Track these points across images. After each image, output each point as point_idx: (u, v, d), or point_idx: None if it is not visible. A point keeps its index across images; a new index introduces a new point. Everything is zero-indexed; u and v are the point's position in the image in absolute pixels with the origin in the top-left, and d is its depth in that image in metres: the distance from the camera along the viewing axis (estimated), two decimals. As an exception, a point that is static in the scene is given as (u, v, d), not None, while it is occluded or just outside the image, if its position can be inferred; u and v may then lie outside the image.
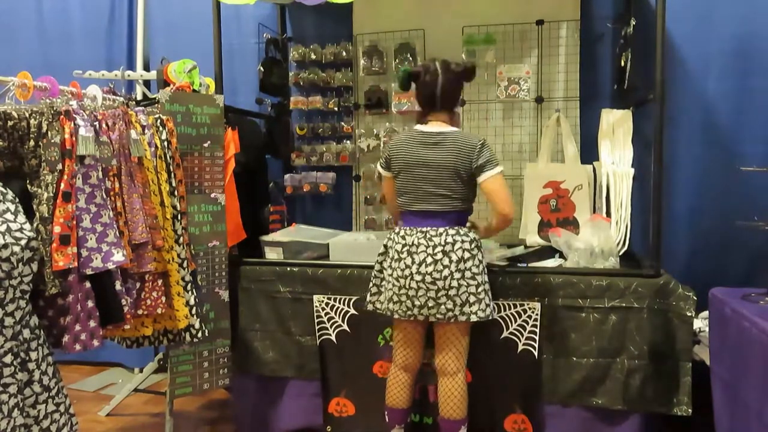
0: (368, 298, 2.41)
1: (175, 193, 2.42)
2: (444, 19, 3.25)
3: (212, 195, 2.69)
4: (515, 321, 2.47)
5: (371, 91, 3.38)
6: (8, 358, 1.81)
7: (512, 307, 2.47)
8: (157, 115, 2.43)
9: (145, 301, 2.27)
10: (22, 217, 1.87)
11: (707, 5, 2.94)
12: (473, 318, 2.20)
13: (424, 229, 2.25)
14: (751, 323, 1.78)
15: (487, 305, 2.24)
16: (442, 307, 2.19)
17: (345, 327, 2.66)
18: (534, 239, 2.90)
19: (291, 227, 3.16)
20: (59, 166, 2.00)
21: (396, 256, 2.27)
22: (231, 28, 3.36)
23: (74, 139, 2.02)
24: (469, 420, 2.36)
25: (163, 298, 2.32)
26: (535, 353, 2.46)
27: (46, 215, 1.97)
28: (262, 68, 3.30)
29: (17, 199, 1.91)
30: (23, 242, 1.81)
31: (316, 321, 2.69)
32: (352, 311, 2.64)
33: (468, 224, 2.34)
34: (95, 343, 2.04)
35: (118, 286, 2.11)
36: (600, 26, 3.14)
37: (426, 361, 2.46)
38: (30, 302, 1.91)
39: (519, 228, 2.97)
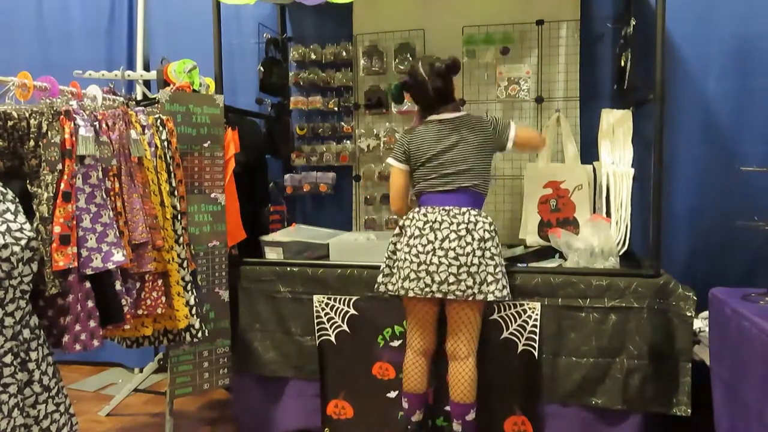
0: (380, 279, 2.41)
1: (175, 193, 2.42)
2: (444, 19, 3.25)
3: (212, 195, 2.69)
4: (515, 321, 2.47)
5: (371, 91, 3.38)
6: (8, 358, 1.81)
7: (512, 307, 2.47)
8: (157, 115, 2.43)
9: (145, 301, 2.27)
10: (22, 217, 1.87)
11: (707, 5, 2.94)
12: (490, 297, 2.25)
13: (447, 208, 2.31)
14: (751, 323, 1.78)
15: (504, 286, 2.30)
16: (462, 284, 2.23)
17: (345, 327, 2.66)
18: (534, 239, 2.90)
19: (291, 227, 3.16)
20: (59, 166, 2.00)
21: (417, 233, 2.30)
22: (231, 28, 3.37)
23: (74, 139, 2.02)
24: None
25: (163, 298, 2.32)
26: (535, 353, 2.46)
27: (46, 215, 1.97)
28: (262, 68, 3.30)
29: (17, 199, 1.91)
30: (23, 242, 1.81)
31: (315, 321, 2.69)
32: (352, 311, 2.64)
33: None
34: (95, 343, 2.05)
35: (118, 286, 2.11)
36: (600, 26, 3.14)
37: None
38: (30, 302, 1.91)
39: (519, 228, 2.97)
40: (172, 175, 2.42)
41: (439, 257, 2.25)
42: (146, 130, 2.33)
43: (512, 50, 3.19)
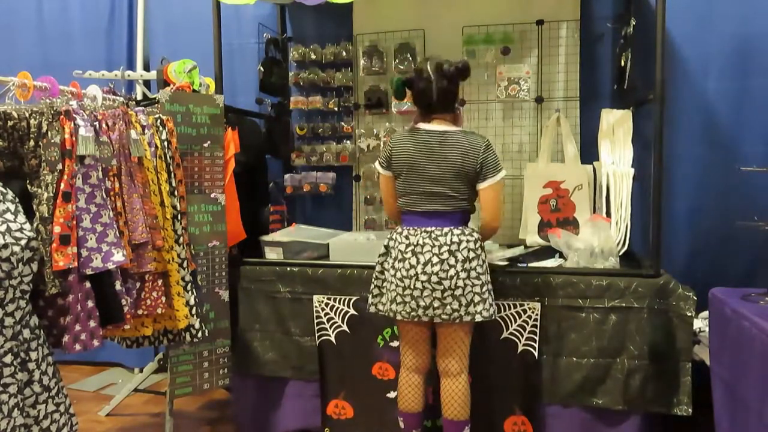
0: (370, 300, 2.39)
1: (175, 193, 2.42)
2: (444, 19, 3.25)
3: (212, 195, 2.69)
4: (515, 321, 2.47)
5: (371, 91, 3.38)
6: (8, 358, 1.81)
7: (512, 307, 2.47)
8: (157, 115, 2.43)
9: (145, 301, 2.27)
10: (22, 217, 1.87)
11: (707, 5, 2.94)
12: (478, 318, 2.20)
13: (429, 229, 2.23)
14: (751, 323, 1.78)
15: (491, 305, 2.25)
16: (448, 307, 2.18)
17: (344, 327, 2.66)
18: (534, 239, 2.90)
19: (291, 227, 3.16)
20: (59, 166, 2.00)
21: (399, 257, 2.24)
22: (231, 28, 3.36)
23: (74, 139, 2.02)
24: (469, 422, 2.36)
25: (163, 298, 2.32)
26: (535, 353, 2.46)
27: (46, 215, 1.97)
28: (262, 68, 3.30)
29: (17, 199, 1.91)
30: (23, 242, 1.81)
31: (315, 321, 2.69)
32: (352, 311, 2.64)
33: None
34: (95, 343, 2.05)
35: (118, 286, 2.11)
36: (600, 26, 3.14)
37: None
38: (30, 302, 1.91)
39: (519, 228, 2.97)
40: (172, 175, 2.42)
41: (422, 282, 2.17)
42: (146, 130, 2.33)
43: (512, 50, 3.19)
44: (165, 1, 3.69)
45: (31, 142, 2.01)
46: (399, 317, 2.25)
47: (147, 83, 3.39)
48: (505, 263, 2.58)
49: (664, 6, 2.34)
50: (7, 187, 1.90)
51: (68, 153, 2.01)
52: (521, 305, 2.46)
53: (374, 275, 2.37)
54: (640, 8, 2.86)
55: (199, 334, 2.44)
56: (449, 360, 2.31)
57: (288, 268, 2.73)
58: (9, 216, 1.84)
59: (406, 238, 2.25)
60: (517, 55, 3.20)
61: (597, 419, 2.45)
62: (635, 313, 2.37)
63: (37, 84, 2.11)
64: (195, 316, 2.42)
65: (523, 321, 2.46)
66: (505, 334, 2.48)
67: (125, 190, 2.19)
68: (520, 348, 2.48)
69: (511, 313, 2.47)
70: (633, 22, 2.76)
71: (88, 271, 2.01)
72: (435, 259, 2.18)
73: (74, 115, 2.04)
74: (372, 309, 2.38)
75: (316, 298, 2.68)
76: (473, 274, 2.20)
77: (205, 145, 2.66)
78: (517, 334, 2.48)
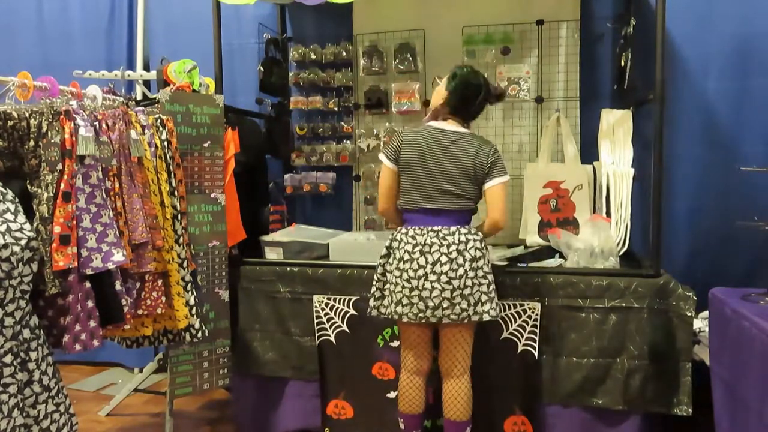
0: (371, 303, 2.37)
1: (175, 193, 2.42)
2: (444, 19, 3.25)
3: (212, 195, 2.69)
4: (515, 321, 2.47)
5: (371, 91, 3.38)
6: (8, 358, 1.81)
7: (512, 307, 2.47)
8: (157, 115, 2.43)
9: (145, 301, 2.27)
10: (22, 217, 1.87)
11: (707, 5, 2.94)
12: (485, 317, 2.20)
13: (436, 228, 2.22)
14: (751, 323, 1.78)
15: (497, 304, 2.26)
16: (457, 307, 2.17)
17: (344, 327, 2.66)
18: (534, 239, 2.90)
19: (291, 227, 3.16)
20: (59, 166, 2.00)
21: (406, 257, 2.22)
22: (231, 28, 3.36)
23: (74, 139, 2.02)
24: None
25: (163, 298, 2.32)
26: (535, 353, 2.46)
27: (46, 215, 1.97)
28: (262, 68, 3.30)
29: (17, 199, 1.91)
30: (23, 242, 1.81)
31: (315, 321, 2.69)
32: (352, 311, 2.64)
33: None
34: (95, 343, 2.05)
35: (118, 286, 2.11)
36: (600, 26, 3.14)
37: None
38: (30, 302, 1.91)
39: (519, 228, 2.97)
40: (172, 175, 2.42)
41: (432, 282, 2.17)
42: (146, 130, 2.33)
43: (512, 50, 3.20)
44: (165, 1, 3.69)
45: (31, 142, 2.01)
46: (405, 319, 2.23)
47: (147, 83, 3.39)
48: (505, 263, 2.58)
49: (664, 6, 2.34)
50: (7, 187, 1.90)
51: (68, 153, 2.01)
52: (521, 305, 2.46)
53: (375, 277, 2.36)
54: (640, 8, 2.86)
55: (199, 334, 2.44)
56: (453, 361, 2.30)
57: (288, 268, 2.73)
58: (9, 216, 1.84)
59: (413, 238, 2.23)
60: (517, 55, 3.20)
61: (597, 419, 2.45)
62: (635, 313, 2.37)
63: (37, 84, 2.11)
64: (195, 316, 2.42)
65: (523, 321, 2.46)
66: (505, 334, 2.48)
67: (125, 190, 2.19)
68: (520, 348, 2.48)
69: (511, 313, 2.47)
70: (633, 22, 2.76)
71: (88, 271, 2.01)
72: (444, 259, 2.18)
73: (74, 115, 2.04)
74: (373, 312, 2.37)
75: (316, 298, 2.68)
76: (480, 273, 2.20)
77: (205, 145, 2.66)
78: (517, 334, 2.48)
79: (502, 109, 3.25)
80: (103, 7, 3.77)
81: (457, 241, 2.19)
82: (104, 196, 2.09)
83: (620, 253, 2.56)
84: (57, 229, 1.95)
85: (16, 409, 1.83)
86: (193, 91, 2.68)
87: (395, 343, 2.57)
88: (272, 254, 2.90)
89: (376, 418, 2.64)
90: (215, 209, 2.70)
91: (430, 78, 3.19)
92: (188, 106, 2.59)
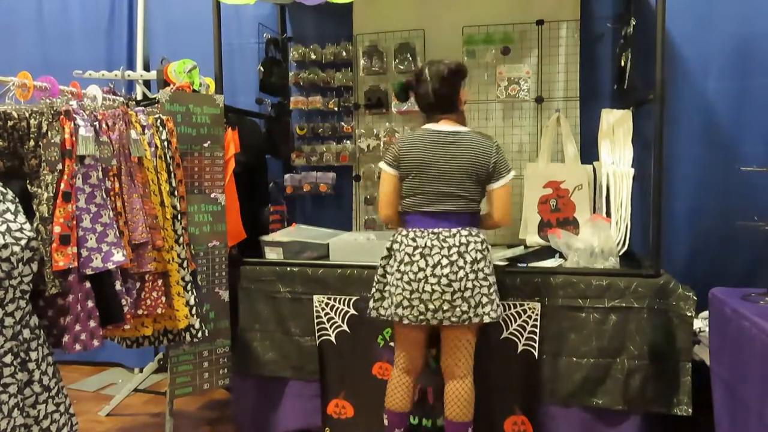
0: (371, 304, 2.37)
1: (175, 193, 2.42)
2: (444, 19, 3.25)
3: (212, 195, 2.69)
4: (515, 321, 2.47)
5: (371, 91, 3.38)
6: (8, 358, 1.81)
7: (512, 307, 2.47)
8: (157, 115, 2.43)
9: (145, 301, 2.27)
10: (22, 217, 1.87)
11: (707, 5, 2.94)
12: (486, 319, 2.19)
13: (437, 231, 2.21)
14: (751, 323, 1.78)
15: (498, 305, 2.25)
16: (457, 309, 2.16)
17: (344, 327, 2.66)
18: (534, 239, 2.90)
19: (291, 227, 3.16)
20: (59, 166, 2.00)
21: (407, 259, 2.21)
22: (231, 28, 3.36)
23: (74, 139, 2.02)
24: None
25: (163, 298, 2.32)
26: (535, 353, 2.46)
27: (46, 215, 1.97)
28: (262, 68, 3.30)
29: (17, 199, 1.91)
30: (23, 242, 1.81)
31: (315, 321, 2.69)
32: (352, 311, 2.64)
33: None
34: (95, 343, 2.05)
35: (118, 286, 2.12)
36: (600, 26, 3.14)
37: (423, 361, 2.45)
38: (30, 302, 1.91)
39: (519, 228, 2.97)
40: (172, 175, 2.42)
41: (432, 284, 2.16)
42: (146, 130, 2.33)
43: (512, 50, 3.19)
44: (165, 1, 3.69)
45: (31, 142, 2.01)
46: (406, 321, 2.22)
47: (147, 83, 3.39)
48: (505, 263, 2.58)
49: (664, 6, 2.34)
50: (7, 187, 1.90)
51: (68, 153, 2.01)
52: (521, 305, 2.46)
53: (376, 279, 2.36)
54: (640, 8, 2.86)
55: (199, 334, 2.44)
56: (456, 363, 2.30)
57: (288, 268, 2.73)
58: (9, 216, 1.84)
59: (413, 240, 2.23)
60: (517, 55, 3.20)
61: (597, 419, 2.45)
62: (635, 313, 2.37)
63: (37, 84, 2.11)
64: (195, 316, 2.42)
65: (523, 321, 2.46)
66: (505, 334, 2.48)
67: (125, 190, 2.19)
68: (520, 348, 2.48)
69: (511, 313, 2.47)
70: (633, 22, 2.76)
71: (88, 271, 2.01)
72: (444, 261, 2.17)
73: (74, 115, 2.04)
74: (373, 314, 2.36)
75: (316, 298, 2.68)
76: (481, 275, 2.19)
77: (205, 145, 2.66)
78: (517, 334, 2.48)
79: (503, 109, 3.25)
80: (103, 7, 3.77)
81: (457, 243, 2.19)
82: (104, 196, 2.09)
83: (620, 253, 2.56)
84: (57, 229, 1.95)
85: (16, 409, 1.83)
86: (193, 91, 2.68)
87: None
88: (272, 254, 2.90)
89: (377, 418, 2.63)
90: (215, 209, 2.70)
91: (430, 78, 3.19)
92: (188, 106, 2.59)
